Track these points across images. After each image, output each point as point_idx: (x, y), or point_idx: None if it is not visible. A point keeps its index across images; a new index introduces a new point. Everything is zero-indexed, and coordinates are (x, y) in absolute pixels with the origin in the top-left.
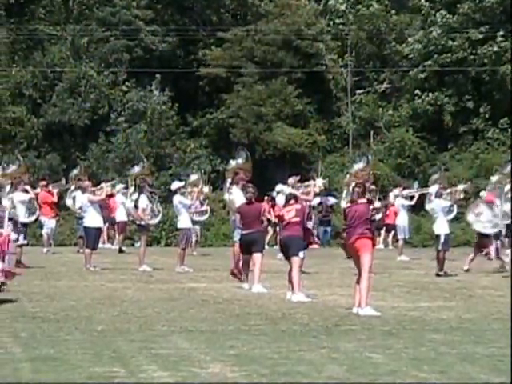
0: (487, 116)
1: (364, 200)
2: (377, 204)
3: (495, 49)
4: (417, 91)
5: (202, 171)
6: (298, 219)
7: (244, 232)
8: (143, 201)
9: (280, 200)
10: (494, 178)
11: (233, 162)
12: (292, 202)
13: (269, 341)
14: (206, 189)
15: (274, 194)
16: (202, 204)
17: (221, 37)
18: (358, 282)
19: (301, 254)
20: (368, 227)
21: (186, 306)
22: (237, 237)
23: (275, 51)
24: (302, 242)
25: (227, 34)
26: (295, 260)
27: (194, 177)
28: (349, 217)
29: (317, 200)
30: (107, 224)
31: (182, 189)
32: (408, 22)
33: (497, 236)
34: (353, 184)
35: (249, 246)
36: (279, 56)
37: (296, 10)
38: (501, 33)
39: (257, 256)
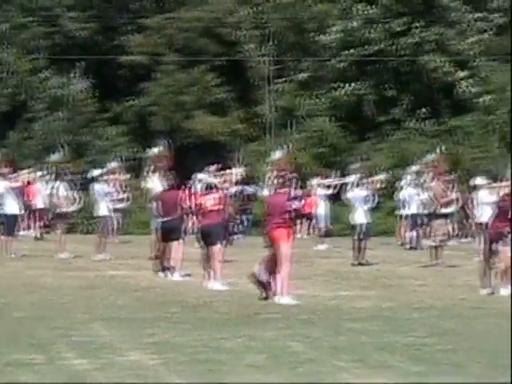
0: (407, 106)
1: (283, 190)
2: (297, 192)
3: (414, 40)
4: (337, 83)
5: (122, 159)
6: (218, 207)
7: (164, 219)
8: (62, 188)
9: (199, 188)
10: (413, 168)
11: (152, 150)
12: (212, 190)
13: (188, 329)
14: (126, 176)
15: (193, 182)
16: (121, 192)
17: (142, 24)
18: (277, 271)
19: (223, 242)
20: (286, 217)
21: (106, 293)
22: (154, 225)
23: (196, 39)
24: (222, 231)
25: (148, 20)
26: (215, 249)
27: (113, 164)
28: (268, 206)
29: (236, 189)
30: (26, 211)
31: (102, 176)
32: (328, 12)
33: (415, 225)
34: (273, 173)
35: (169, 234)
36: (200, 44)
37: None
38: (417, 24)
39: (177, 244)
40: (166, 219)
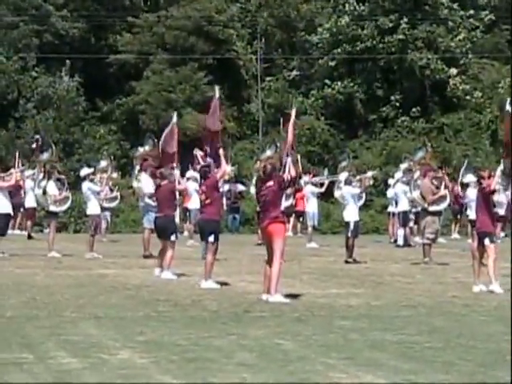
0: (397, 104)
1: (271, 182)
2: (288, 190)
3: (403, 37)
4: (326, 81)
5: (112, 157)
6: (209, 201)
7: (157, 215)
8: (52, 187)
9: (191, 186)
10: (403, 166)
11: (141, 149)
12: (203, 181)
13: (178, 327)
14: (115, 175)
15: (184, 180)
16: (111, 190)
17: (131, 22)
18: (269, 265)
19: (210, 238)
20: (281, 211)
21: (95, 292)
22: (146, 223)
23: (186, 37)
24: (216, 225)
25: (138, 19)
26: (211, 246)
27: (103, 163)
28: (260, 201)
29: (226, 187)
30: (21, 210)
31: (91, 175)
32: (318, 10)
33: (405, 223)
34: (262, 169)
35: (162, 231)
36: (190, 42)
37: None
38: (405, 20)
39: (169, 242)
40: (159, 215)
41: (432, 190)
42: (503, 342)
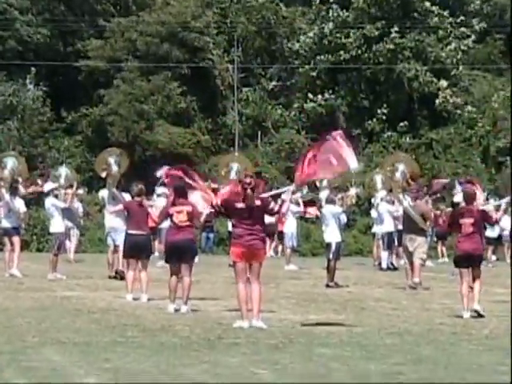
0: (384, 118)
1: (258, 201)
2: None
3: (390, 46)
4: (308, 94)
5: (77, 171)
6: (189, 223)
7: (135, 232)
8: (21, 204)
9: (162, 203)
10: (378, 178)
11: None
12: (181, 200)
13: (147, 354)
14: (81, 191)
15: (155, 197)
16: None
17: (101, 27)
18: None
19: (196, 259)
20: (265, 230)
21: (59, 315)
22: (109, 240)
23: (159, 44)
24: (195, 246)
25: (109, 23)
26: (191, 263)
27: (67, 176)
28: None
29: None
30: None
31: (56, 190)
32: (299, 16)
33: (389, 245)
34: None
35: (135, 249)
36: (163, 49)
37: (182, 0)
38: (395, 29)
39: (144, 262)
40: (137, 232)
41: (430, 210)
42: (495, 374)
